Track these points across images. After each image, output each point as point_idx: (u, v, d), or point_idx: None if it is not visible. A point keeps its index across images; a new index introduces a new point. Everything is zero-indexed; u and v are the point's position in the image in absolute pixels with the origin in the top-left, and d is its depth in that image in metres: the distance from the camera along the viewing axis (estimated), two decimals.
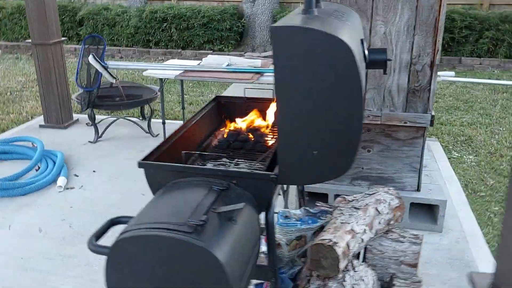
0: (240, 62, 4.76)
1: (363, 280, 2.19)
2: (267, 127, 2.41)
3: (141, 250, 1.39)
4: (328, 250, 2.08)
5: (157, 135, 5.23)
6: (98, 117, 5.22)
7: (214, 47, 10.34)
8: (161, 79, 4.68)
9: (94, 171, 4.33)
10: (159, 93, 4.99)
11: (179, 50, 10.24)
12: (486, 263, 3.09)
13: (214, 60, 4.84)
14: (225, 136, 2.35)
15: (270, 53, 9.79)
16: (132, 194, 3.90)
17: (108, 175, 4.24)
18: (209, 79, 4.58)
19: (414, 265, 2.43)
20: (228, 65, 4.68)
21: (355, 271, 2.22)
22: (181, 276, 1.37)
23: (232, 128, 2.42)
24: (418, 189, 3.44)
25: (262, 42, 10.40)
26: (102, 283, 2.86)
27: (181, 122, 5.50)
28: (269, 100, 2.54)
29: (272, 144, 2.28)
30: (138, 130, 5.30)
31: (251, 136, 2.31)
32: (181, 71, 4.59)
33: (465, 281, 2.89)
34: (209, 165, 2.10)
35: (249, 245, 1.57)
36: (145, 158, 1.80)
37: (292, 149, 1.58)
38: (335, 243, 2.10)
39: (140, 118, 5.60)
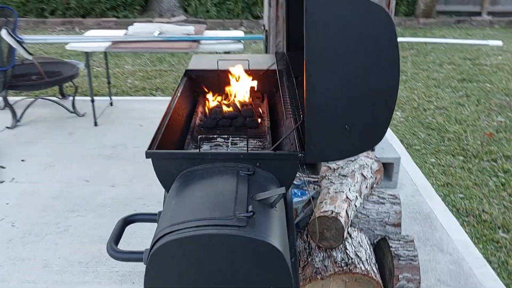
0: (172, 29, 4.47)
1: (361, 245, 2.22)
2: (250, 100, 2.28)
3: (191, 252, 1.24)
4: (333, 221, 2.06)
5: (84, 114, 4.81)
6: (11, 99, 4.65)
7: (118, 14, 9.67)
8: (87, 53, 4.25)
9: (23, 160, 3.87)
10: (82, 68, 4.55)
11: (80, 19, 9.42)
12: (442, 213, 3.31)
13: (142, 29, 4.50)
14: (208, 113, 2.19)
15: (179, 18, 9.39)
16: (76, 182, 3.56)
17: (42, 163, 3.81)
18: (143, 50, 4.26)
19: (398, 225, 2.52)
20: (160, 33, 4.38)
21: (352, 238, 2.24)
22: (238, 272, 1.25)
23: (214, 104, 2.26)
24: (372, 149, 3.54)
25: (170, 7, 9.93)
26: (68, 284, 2.63)
27: (108, 99, 5.19)
28: (246, 72, 2.40)
29: (262, 119, 2.18)
30: (61, 110, 4.83)
31: (237, 111, 2.17)
32: (110, 43, 4.20)
33: (430, 233, 3.09)
34: (206, 147, 1.95)
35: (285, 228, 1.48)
36: (150, 147, 1.60)
37: (323, 125, 1.50)
38: (338, 213, 2.08)
39: (60, 97, 5.09)
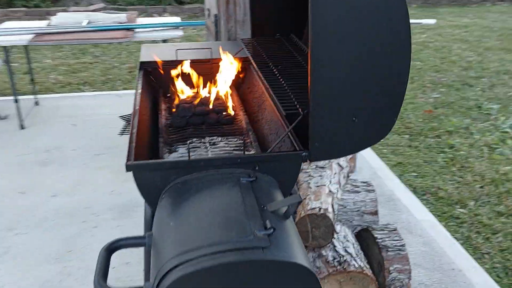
0: (102, 18, 4.09)
1: (347, 240, 2.11)
2: (218, 93, 2.07)
3: (209, 284, 1.04)
4: (321, 219, 1.93)
5: (6, 116, 4.29)
6: None
7: (28, 3, 8.84)
8: (5, 47, 3.76)
9: None
10: (0, 65, 4.04)
11: None
12: (403, 194, 3.32)
13: (68, 19, 4.06)
14: (175, 111, 1.95)
15: (98, 6, 8.77)
16: (9, 195, 3.14)
17: None
18: (72, 42, 3.84)
19: (375, 213, 2.45)
20: (89, 23, 3.98)
21: (337, 233, 2.12)
22: None
23: (181, 100, 2.01)
24: None
25: None
26: None
27: (33, 97, 4.65)
28: (208, 61, 2.18)
29: (236, 113, 1.98)
30: None
31: (209, 106, 1.95)
32: (32, 35, 3.74)
33: (397, 215, 3.08)
34: (181, 150, 1.72)
35: None
36: (129, 158, 1.35)
37: (329, 118, 1.34)
38: (325, 209, 1.95)
39: None
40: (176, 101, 1.99)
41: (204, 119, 1.93)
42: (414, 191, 3.46)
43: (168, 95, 2.17)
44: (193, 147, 1.75)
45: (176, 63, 2.15)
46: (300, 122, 1.45)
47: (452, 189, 3.50)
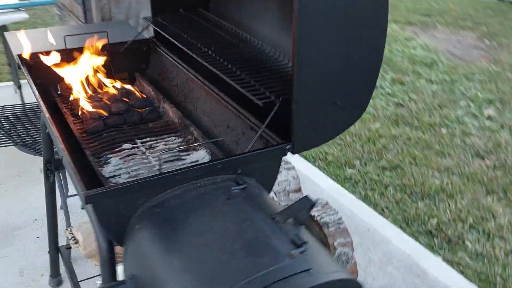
0: None
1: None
2: (124, 85, 1.75)
3: None
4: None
5: None
6: None
7: None
8: None
9: None
10: None
11: None
12: (299, 163, 3.34)
13: None
14: (84, 114, 1.58)
15: None
16: None
17: None
18: None
19: (299, 190, 2.39)
20: None
21: None
22: None
23: (86, 99, 1.63)
24: None
25: None
26: None
27: None
28: (107, 47, 1.83)
29: (161, 106, 1.69)
30: None
31: (124, 102, 1.63)
32: None
33: (302, 187, 3.08)
34: (115, 161, 1.40)
35: None
36: (84, 187, 1.02)
37: (313, 104, 1.18)
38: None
39: None
40: (80, 101, 1.62)
41: (124, 118, 1.60)
42: (306, 159, 3.53)
43: (60, 93, 1.76)
44: (127, 155, 1.44)
45: (66, 53, 1.75)
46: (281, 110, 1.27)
47: (337, 152, 3.66)
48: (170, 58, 1.82)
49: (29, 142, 2.29)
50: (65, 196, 2.13)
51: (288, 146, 1.22)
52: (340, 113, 1.26)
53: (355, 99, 1.27)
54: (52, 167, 1.89)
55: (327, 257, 0.97)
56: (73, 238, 1.87)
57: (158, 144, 1.50)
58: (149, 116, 1.63)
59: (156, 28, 1.80)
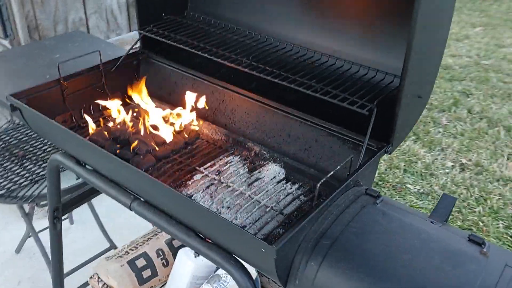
0: None
1: None
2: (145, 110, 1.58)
3: None
4: None
5: None
6: None
7: None
8: None
9: None
10: None
11: None
12: None
13: None
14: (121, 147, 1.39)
15: None
16: None
17: None
18: None
19: None
20: None
21: None
22: None
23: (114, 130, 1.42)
24: None
25: None
26: None
27: None
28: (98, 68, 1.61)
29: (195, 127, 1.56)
30: None
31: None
32: None
33: None
34: (198, 196, 1.29)
35: None
36: (269, 240, 0.94)
37: (409, 102, 1.24)
38: None
39: None
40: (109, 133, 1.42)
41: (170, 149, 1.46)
42: None
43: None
44: (206, 187, 1.33)
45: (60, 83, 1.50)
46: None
47: None
48: (179, 70, 1.68)
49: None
50: None
51: (389, 148, 1.27)
52: (420, 104, 1.35)
53: (428, 88, 1.36)
54: (59, 215, 1.64)
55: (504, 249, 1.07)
56: (104, 286, 1.68)
57: (223, 168, 1.41)
58: (191, 140, 1.51)
59: (160, 39, 1.61)
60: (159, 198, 1.22)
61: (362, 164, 1.19)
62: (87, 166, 1.42)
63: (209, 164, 1.42)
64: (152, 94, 1.64)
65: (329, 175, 1.09)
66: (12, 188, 1.76)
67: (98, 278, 1.69)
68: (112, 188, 1.32)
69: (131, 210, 1.30)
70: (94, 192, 1.71)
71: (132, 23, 2.67)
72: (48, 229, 1.65)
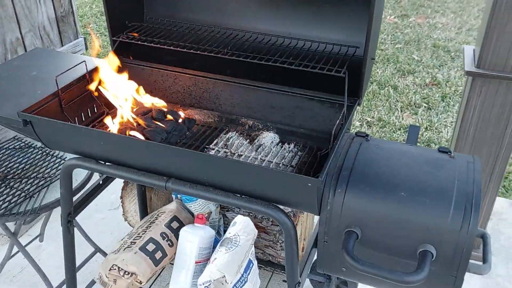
0: None
1: None
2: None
3: None
4: None
5: None
6: None
7: None
8: None
9: None
10: None
11: None
12: None
13: None
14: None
15: None
16: None
17: None
18: None
19: None
20: None
21: None
22: None
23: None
24: None
25: None
26: None
27: None
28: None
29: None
30: None
31: (169, 120, 1.68)
32: None
33: None
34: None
35: None
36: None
37: (369, 64, 1.60)
38: None
39: None
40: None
41: (177, 134, 1.67)
42: None
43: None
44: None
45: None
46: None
47: None
48: (157, 69, 1.88)
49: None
50: None
51: (360, 101, 1.64)
52: (372, 64, 1.72)
53: (375, 51, 1.74)
54: (72, 218, 1.76)
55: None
56: (126, 273, 1.82)
57: (228, 143, 1.66)
58: (190, 125, 1.73)
59: (136, 42, 1.79)
60: (196, 170, 1.44)
61: (347, 115, 1.54)
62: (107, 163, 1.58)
63: (214, 142, 1.67)
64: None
65: (335, 126, 1.42)
66: (9, 206, 1.81)
67: (119, 268, 1.83)
68: (143, 175, 1.51)
69: (166, 190, 1.50)
70: (98, 189, 1.84)
71: (62, 37, 2.72)
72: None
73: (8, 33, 2.36)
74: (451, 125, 3.79)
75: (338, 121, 1.54)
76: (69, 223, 1.75)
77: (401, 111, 4.00)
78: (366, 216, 1.31)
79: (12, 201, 1.83)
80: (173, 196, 2.23)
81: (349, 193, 1.33)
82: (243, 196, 1.42)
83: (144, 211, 2.30)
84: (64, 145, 1.61)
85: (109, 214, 2.80)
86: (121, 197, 2.30)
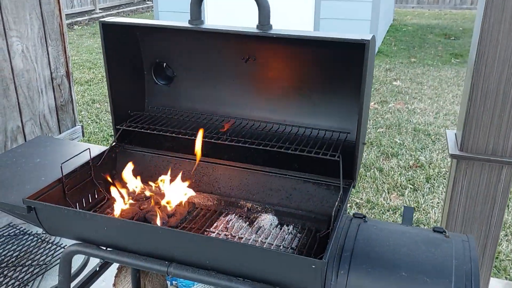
0: None
1: None
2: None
3: None
4: None
5: None
6: None
7: None
8: None
9: None
10: None
11: None
12: None
13: None
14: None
15: None
16: None
17: None
18: None
19: None
20: None
21: None
22: None
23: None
24: None
25: None
26: None
27: None
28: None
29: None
30: None
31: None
32: None
33: None
34: None
35: None
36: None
37: (361, 146, 1.70)
38: None
39: None
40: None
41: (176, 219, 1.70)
42: None
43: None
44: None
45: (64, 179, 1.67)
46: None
47: None
48: (158, 155, 1.95)
49: None
50: None
51: (355, 183, 1.71)
52: (363, 148, 1.82)
53: (365, 136, 1.85)
54: None
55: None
56: None
57: (227, 226, 1.69)
58: (190, 209, 1.77)
59: (139, 130, 1.87)
60: (198, 253, 1.45)
61: (343, 198, 1.61)
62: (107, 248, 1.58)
63: (214, 225, 1.70)
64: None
65: (334, 208, 1.48)
66: None
67: None
68: (144, 260, 1.51)
69: (168, 275, 1.50)
70: (95, 275, 1.82)
71: (61, 125, 2.81)
72: None
73: (10, 122, 2.44)
74: (438, 206, 3.87)
75: (336, 202, 1.60)
76: None
77: (388, 192, 4.09)
78: None
79: None
80: (168, 282, 2.21)
81: (352, 274, 1.36)
82: (245, 280, 1.43)
83: None
84: (66, 230, 1.62)
85: None
86: (114, 285, 2.25)
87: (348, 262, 1.38)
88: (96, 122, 5.63)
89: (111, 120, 1.94)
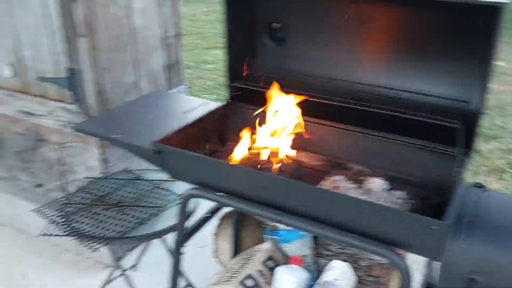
0: None
1: None
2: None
3: None
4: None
5: None
6: None
7: None
8: None
9: None
10: None
11: None
12: None
13: None
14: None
15: None
16: None
17: None
18: None
19: None
20: None
21: None
22: None
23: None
24: None
25: None
26: None
27: None
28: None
29: None
30: None
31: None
32: None
33: None
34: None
35: None
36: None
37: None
38: None
39: None
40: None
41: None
42: None
43: None
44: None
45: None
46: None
47: None
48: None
49: None
50: None
51: (472, 152, 1.66)
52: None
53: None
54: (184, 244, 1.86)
55: None
56: None
57: (334, 185, 1.72)
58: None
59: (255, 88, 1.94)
60: (310, 206, 1.50)
61: (461, 165, 1.57)
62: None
63: (321, 184, 1.73)
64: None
65: (452, 176, 1.45)
66: (126, 230, 1.95)
67: None
68: (258, 207, 1.59)
69: (280, 223, 1.56)
70: (207, 220, 1.95)
71: (170, 83, 2.97)
72: None
73: (127, 76, 2.62)
74: None
75: (455, 169, 1.57)
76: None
77: (487, 175, 3.90)
78: (488, 264, 1.30)
79: (128, 226, 1.97)
80: (267, 236, 2.29)
81: (470, 240, 1.34)
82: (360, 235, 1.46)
83: (235, 251, 2.36)
84: (188, 174, 1.73)
85: (198, 251, 2.88)
86: (215, 234, 2.38)
87: (467, 228, 1.36)
88: (189, 87, 5.85)
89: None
